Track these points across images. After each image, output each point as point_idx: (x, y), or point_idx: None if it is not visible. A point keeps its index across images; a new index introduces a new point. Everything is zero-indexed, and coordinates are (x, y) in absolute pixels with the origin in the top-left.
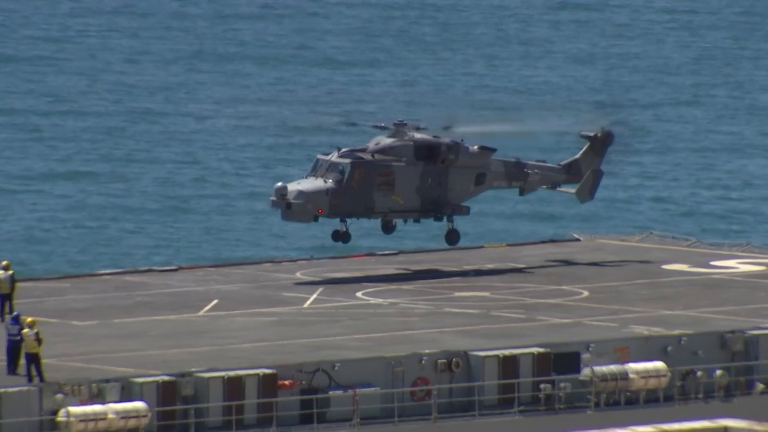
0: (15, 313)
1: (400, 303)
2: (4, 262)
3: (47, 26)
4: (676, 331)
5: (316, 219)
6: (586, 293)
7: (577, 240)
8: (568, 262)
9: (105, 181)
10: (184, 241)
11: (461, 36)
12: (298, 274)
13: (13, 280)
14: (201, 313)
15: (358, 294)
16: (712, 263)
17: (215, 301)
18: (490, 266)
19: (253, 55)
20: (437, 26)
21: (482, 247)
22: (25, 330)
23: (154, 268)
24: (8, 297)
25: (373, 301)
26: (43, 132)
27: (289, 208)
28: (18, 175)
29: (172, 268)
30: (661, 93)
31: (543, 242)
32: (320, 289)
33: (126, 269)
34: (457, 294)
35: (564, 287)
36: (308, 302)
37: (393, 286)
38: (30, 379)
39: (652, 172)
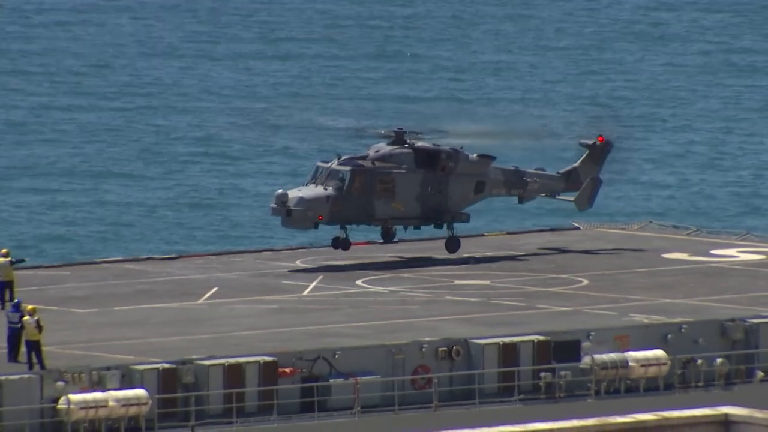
0: (16, 301)
1: (401, 291)
2: (4, 250)
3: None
4: (677, 320)
5: (316, 226)
6: (585, 281)
7: (577, 228)
8: (567, 251)
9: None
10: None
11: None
12: (297, 262)
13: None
14: (201, 300)
15: (358, 282)
16: (712, 252)
17: (215, 289)
18: (490, 254)
19: (262, 45)
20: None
21: (482, 235)
22: (26, 317)
23: (154, 256)
24: (9, 285)
25: (373, 289)
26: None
27: (289, 215)
28: (24, 167)
29: (172, 256)
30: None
31: (542, 230)
32: (320, 277)
33: (126, 257)
34: (457, 282)
35: (564, 275)
36: (308, 290)
37: (393, 274)
38: (31, 367)
39: (662, 161)
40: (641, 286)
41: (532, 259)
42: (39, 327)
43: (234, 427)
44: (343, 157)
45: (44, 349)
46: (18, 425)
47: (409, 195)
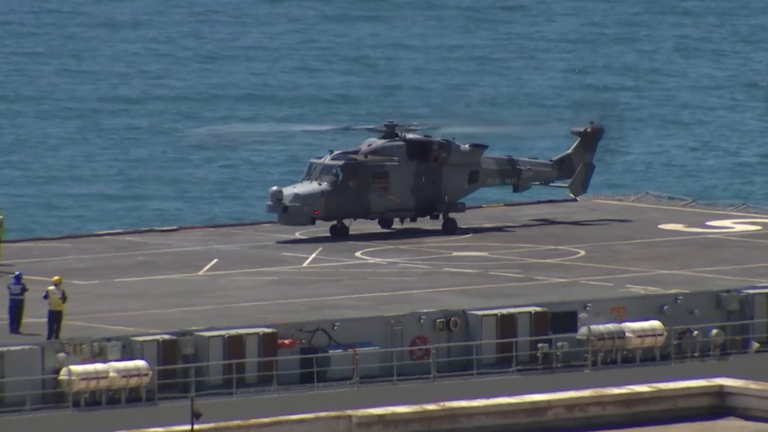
0: (17, 273)
1: (399, 262)
2: None
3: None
4: (673, 291)
5: (313, 222)
6: (582, 253)
7: (574, 200)
8: (565, 222)
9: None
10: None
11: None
12: (297, 234)
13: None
14: (201, 272)
15: (357, 254)
16: (708, 223)
17: (215, 261)
18: (488, 226)
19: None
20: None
21: (480, 207)
22: (51, 287)
23: (155, 228)
24: None
25: (372, 260)
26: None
27: (285, 211)
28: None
29: (172, 228)
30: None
31: (540, 202)
32: (319, 249)
33: (126, 229)
34: (456, 254)
35: (561, 247)
36: (307, 261)
37: (392, 246)
38: (57, 337)
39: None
40: (638, 257)
41: (529, 230)
42: (64, 298)
43: (234, 398)
44: (336, 152)
45: (63, 321)
46: (20, 396)
47: (403, 187)
